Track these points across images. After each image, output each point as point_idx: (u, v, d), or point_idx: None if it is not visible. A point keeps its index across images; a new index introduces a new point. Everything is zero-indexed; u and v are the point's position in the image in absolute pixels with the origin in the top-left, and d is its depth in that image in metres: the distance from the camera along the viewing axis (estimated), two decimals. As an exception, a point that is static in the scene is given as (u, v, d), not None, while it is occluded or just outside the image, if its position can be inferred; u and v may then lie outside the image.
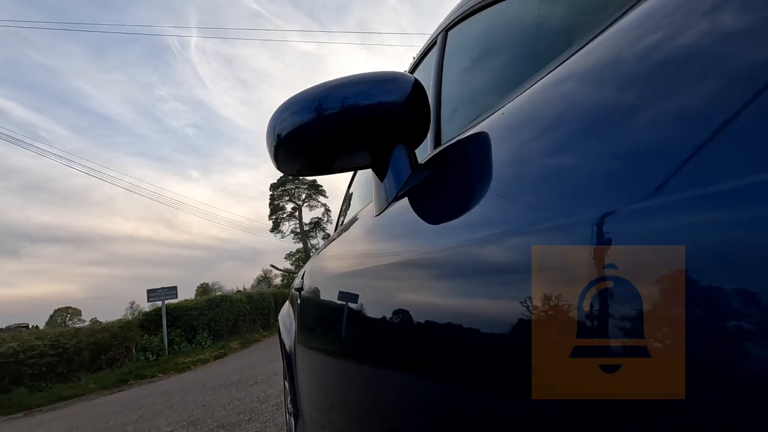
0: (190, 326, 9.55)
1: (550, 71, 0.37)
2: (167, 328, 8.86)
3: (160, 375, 7.31)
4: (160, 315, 8.94)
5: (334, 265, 0.92)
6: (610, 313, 0.21)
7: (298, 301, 1.41)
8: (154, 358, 8.29)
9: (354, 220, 0.98)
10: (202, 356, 8.44)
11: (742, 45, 0.19)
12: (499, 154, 0.38)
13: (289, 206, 26.23)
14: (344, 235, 0.99)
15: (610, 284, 0.21)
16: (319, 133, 0.55)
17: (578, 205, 0.24)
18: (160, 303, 9.07)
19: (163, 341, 8.69)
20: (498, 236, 0.31)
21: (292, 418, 1.42)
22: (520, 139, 0.36)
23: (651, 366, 0.18)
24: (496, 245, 0.31)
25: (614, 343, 0.20)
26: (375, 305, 0.56)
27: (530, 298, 0.26)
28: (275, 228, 26.28)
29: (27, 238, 64.14)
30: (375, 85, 0.55)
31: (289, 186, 25.47)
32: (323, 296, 0.95)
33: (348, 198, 1.60)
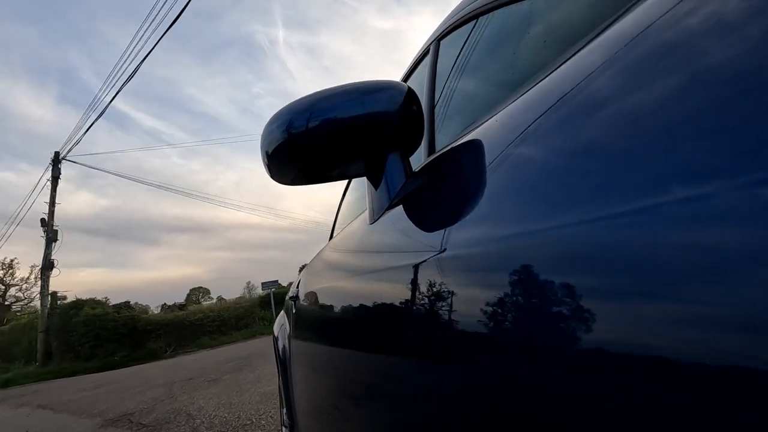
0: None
1: (543, 78, 0.37)
2: (274, 306, 13.17)
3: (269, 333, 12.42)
4: (269, 298, 13.63)
5: (329, 274, 0.91)
6: (603, 320, 0.21)
7: (293, 310, 1.40)
8: (268, 323, 12.59)
9: (349, 228, 0.98)
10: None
11: (738, 45, 0.19)
12: (492, 160, 0.38)
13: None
14: (339, 243, 0.99)
15: (602, 291, 0.21)
16: (313, 142, 0.54)
17: (572, 211, 0.24)
18: (269, 290, 14.11)
19: (273, 313, 13.17)
20: (493, 243, 0.31)
21: (287, 429, 1.40)
22: (513, 145, 0.36)
23: (651, 366, 0.18)
24: (490, 252, 0.31)
25: (613, 343, 0.20)
26: (370, 314, 0.55)
27: (526, 304, 0.26)
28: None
29: (164, 229, 73.36)
30: (368, 94, 0.55)
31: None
32: (318, 305, 0.95)
33: (342, 206, 1.59)
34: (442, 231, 0.41)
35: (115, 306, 13.77)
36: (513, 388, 0.27)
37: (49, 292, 11.41)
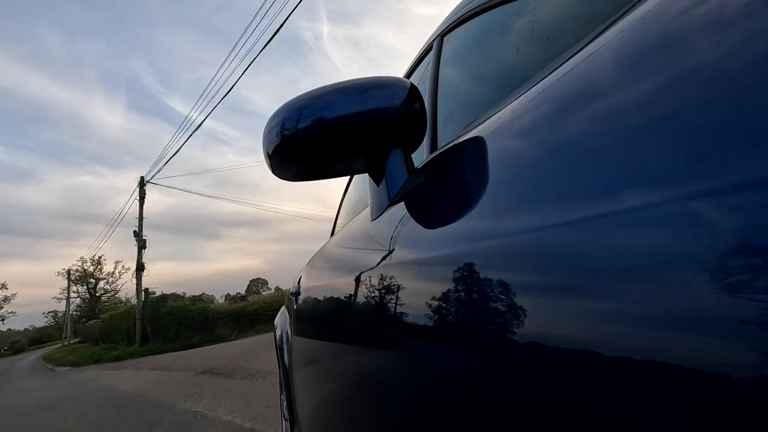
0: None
1: (546, 75, 0.37)
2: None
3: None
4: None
5: (330, 270, 0.91)
6: (604, 319, 0.21)
7: (294, 306, 1.40)
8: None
9: (350, 224, 0.98)
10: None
11: (738, 45, 0.19)
12: (495, 158, 0.38)
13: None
14: (340, 239, 0.99)
15: (604, 287, 0.21)
16: (315, 138, 0.54)
17: (575, 208, 0.24)
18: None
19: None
20: (495, 240, 0.31)
21: (288, 425, 1.40)
22: (516, 142, 0.36)
23: (652, 366, 0.18)
24: (492, 249, 0.31)
25: (611, 344, 0.20)
26: (371, 310, 0.55)
27: (528, 301, 0.26)
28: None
29: (224, 224, 77.95)
30: (371, 90, 0.54)
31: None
32: (319, 301, 0.94)
33: (344, 202, 1.59)
34: (443, 228, 0.41)
35: (191, 298, 17.76)
36: (514, 385, 0.27)
37: (142, 288, 14.84)
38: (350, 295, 0.67)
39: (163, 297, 14.40)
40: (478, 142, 0.43)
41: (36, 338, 48.09)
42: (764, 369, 0.14)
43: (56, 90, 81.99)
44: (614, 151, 0.24)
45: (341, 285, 0.75)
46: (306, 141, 0.54)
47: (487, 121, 0.45)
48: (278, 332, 1.80)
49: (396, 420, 0.46)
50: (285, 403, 1.55)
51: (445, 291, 0.37)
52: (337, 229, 1.55)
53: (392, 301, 0.48)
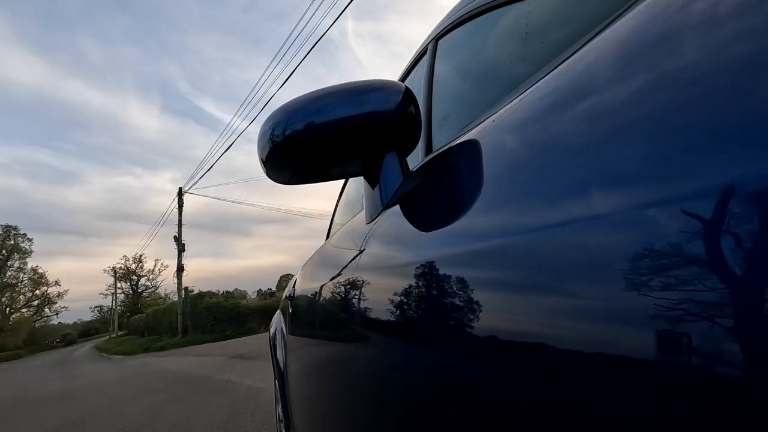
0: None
1: (540, 79, 0.37)
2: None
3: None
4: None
5: (326, 274, 0.91)
6: (600, 319, 0.21)
7: (290, 310, 1.39)
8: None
9: (345, 227, 0.98)
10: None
11: (736, 44, 0.19)
12: (490, 161, 0.38)
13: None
14: (336, 243, 0.99)
15: (600, 288, 0.21)
16: (310, 141, 0.54)
17: (570, 210, 0.24)
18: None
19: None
20: (490, 242, 0.31)
21: (284, 429, 1.40)
22: (511, 146, 0.36)
23: (650, 366, 0.18)
24: (488, 252, 0.31)
25: (605, 344, 0.20)
26: (367, 314, 0.55)
27: (523, 302, 0.26)
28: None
29: (254, 221, 79.92)
30: (366, 94, 0.55)
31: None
32: (314, 304, 0.94)
33: (339, 205, 1.58)
34: (439, 231, 0.41)
35: (224, 294, 20.26)
36: (510, 386, 0.27)
37: (183, 287, 17.01)
38: (345, 298, 0.67)
39: (200, 294, 16.66)
40: (472, 145, 0.43)
41: (84, 331, 51.51)
42: (763, 369, 0.14)
43: (95, 95, 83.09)
44: (609, 153, 0.24)
45: (336, 288, 0.75)
46: (301, 144, 0.54)
47: (481, 124, 0.45)
48: (273, 336, 1.79)
49: (391, 422, 0.46)
50: (280, 407, 1.55)
51: (441, 293, 0.37)
52: (332, 232, 1.54)
53: (387, 305, 0.48)
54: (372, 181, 0.64)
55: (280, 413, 1.54)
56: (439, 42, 0.78)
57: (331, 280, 0.82)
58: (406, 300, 0.44)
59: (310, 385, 0.90)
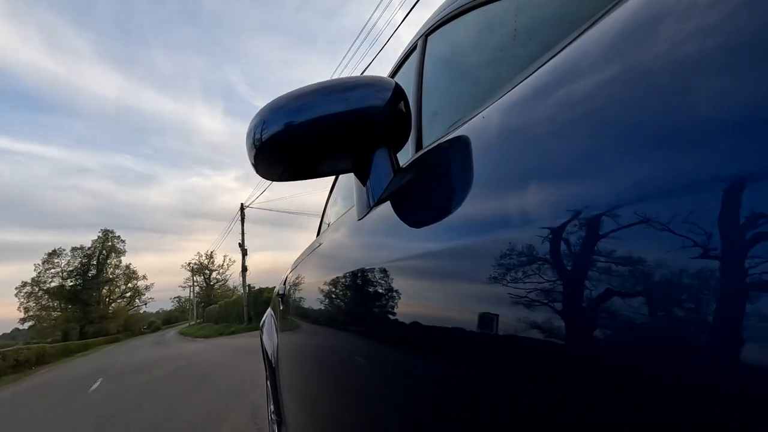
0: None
1: (529, 75, 0.37)
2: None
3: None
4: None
5: (317, 271, 0.91)
6: (587, 317, 0.21)
7: (281, 307, 1.39)
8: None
9: (336, 224, 0.98)
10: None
11: (716, 42, 0.19)
12: (480, 157, 0.38)
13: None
14: (327, 239, 0.98)
15: (588, 288, 0.21)
16: (300, 137, 0.54)
17: (559, 206, 0.25)
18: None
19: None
20: (480, 238, 0.31)
21: (275, 425, 1.40)
22: (500, 141, 0.36)
23: (649, 365, 0.18)
24: (479, 248, 0.31)
25: (600, 345, 0.20)
26: (358, 310, 0.55)
27: (515, 299, 0.26)
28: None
29: (312, 214, 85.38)
30: (356, 90, 0.54)
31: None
32: (306, 302, 0.94)
33: (330, 202, 1.57)
34: (429, 227, 0.41)
35: None
36: (499, 384, 0.27)
37: (247, 284, 21.39)
38: (336, 294, 0.67)
39: (261, 290, 20.13)
40: (462, 141, 0.43)
41: (166, 319, 58.75)
42: (761, 368, 0.14)
43: (166, 103, 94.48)
44: (597, 149, 0.24)
45: (327, 285, 0.75)
46: (290, 140, 0.54)
47: (471, 121, 0.45)
48: (264, 334, 1.78)
49: (382, 417, 0.46)
50: (272, 404, 1.55)
51: (431, 289, 0.37)
52: (323, 228, 1.53)
53: (378, 301, 0.48)
54: (362, 177, 0.64)
55: (272, 410, 1.54)
56: (429, 38, 0.77)
57: (322, 276, 0.82)
58: (397, 296, 0.44)
59: (302, 382, 0.90)
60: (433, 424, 0.35)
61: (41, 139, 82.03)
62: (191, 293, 45.95)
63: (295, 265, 1.36)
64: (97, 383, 7.35)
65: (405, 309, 0.42)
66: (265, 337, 1.78)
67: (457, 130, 0.47)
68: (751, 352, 0.14)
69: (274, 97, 0.58)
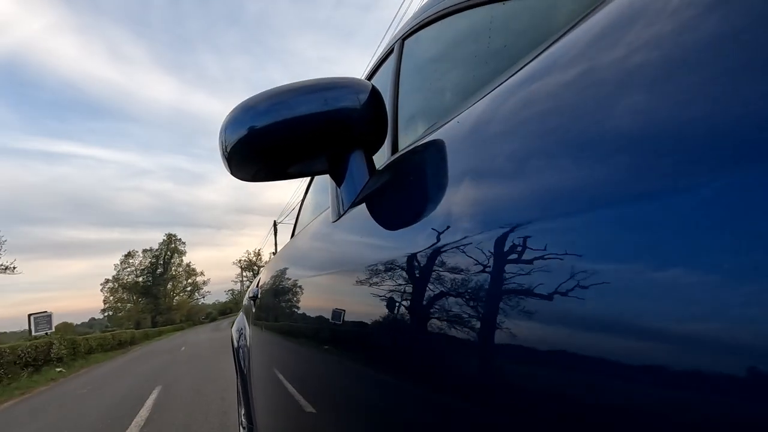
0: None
1: (505, 80, 0.38)
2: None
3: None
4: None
5: (290, 273, 0.89)
6: (566, 318, 0.21)
7: (253, 310, 1.36)
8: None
9: (311, 226, 0.96)
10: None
11: (705, 41, 0.19)
12: (454, 160, 0.39)
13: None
14: (301, 242, 0.97)
15: (565, 288, 0.21)
16: (275, 138, 0.53)
17: (532, 208, 0.25)
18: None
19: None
20: (454, 241, 0.31)
21: (246, 431, 1.37)
22: (475, 145, 0.37)
23: (647, 365, 0.17)
24: (452, 250, 0.31)
25: (594, 344, 0.20)
26: (330, 313, 0.55)
27: (488, 299, 0.26)
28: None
29: None
30: (332, 90, 0.54)
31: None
32: (278, 305, 0.92)
33: (305, 204, 1.56)
34: (404, 229, 0.41)
35: None
36: (474, 384, 0.27)
37: None
38: (310, 297, 0.66)
39: None
40: (437, 145, 0.44)
41: (221, 310, 62.19)
42: (761, 368, 0.13)
43: (215, 104, 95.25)
44: (573, 153, 0.24)
45: (301, 288, 0.73)
46: (265, 141, 0.53)
47: (447, 124, 0.46)
48: (235, 338, 1.74)
49: (356, 421, 0.45)
50: (243, 411, 1.51)
51: (405, 292, 0.37)
52: (297, 230, 1.51)
53: (352, 304, 0.48)
54: (338, 179, 0.64)
55: (243, 417, 1.51)
56: (406, 42, 0.78)
57: (295, 279, 0.81)
58: (370, 299, 0.43)
59: (274, 388, 0.88)
60: (406, 429, 0.35)
61: (106, 144, 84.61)
62: (242, 287, 49.31)
63: (268, 267, 1.33)
64: (183, 348, 13.30)
65: (378, 311, 0.41)
66: (235, 342, 1.73)
67: (432, 133, 0.48)
68: (752, 352, 0.14)
69: (249, 96, 0.57)
